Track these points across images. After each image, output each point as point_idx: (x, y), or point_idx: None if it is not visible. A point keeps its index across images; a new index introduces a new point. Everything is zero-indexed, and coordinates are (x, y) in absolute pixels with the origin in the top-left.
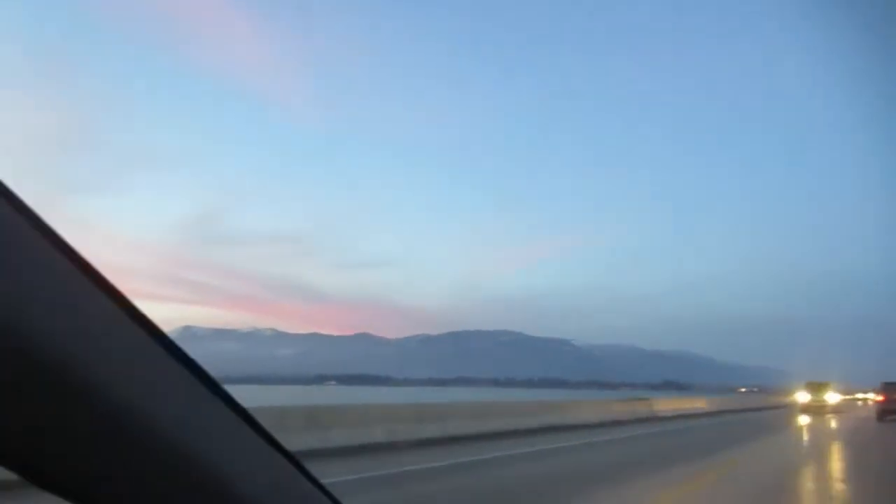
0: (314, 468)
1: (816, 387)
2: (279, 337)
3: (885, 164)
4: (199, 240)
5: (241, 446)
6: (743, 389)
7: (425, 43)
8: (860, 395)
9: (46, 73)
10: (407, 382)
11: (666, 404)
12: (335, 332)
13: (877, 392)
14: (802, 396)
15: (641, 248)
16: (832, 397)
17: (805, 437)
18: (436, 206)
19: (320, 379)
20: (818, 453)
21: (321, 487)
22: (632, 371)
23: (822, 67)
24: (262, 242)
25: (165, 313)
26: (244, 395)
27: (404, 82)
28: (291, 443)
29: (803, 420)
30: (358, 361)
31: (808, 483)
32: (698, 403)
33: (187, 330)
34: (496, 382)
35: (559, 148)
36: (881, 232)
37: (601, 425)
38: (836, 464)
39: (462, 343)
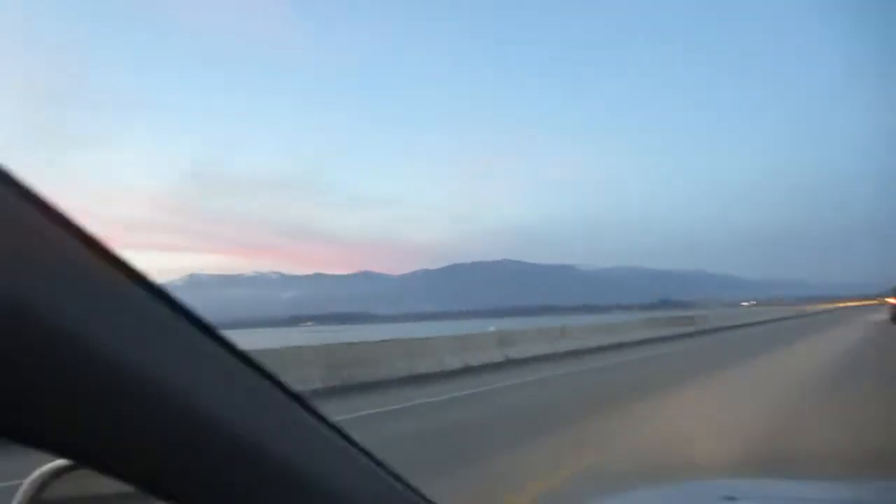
0: None
1: None
2: (284, 280)
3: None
4: (200, 188)
5: (263, 405)
6: (745, 304)
7: None
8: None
9: (40, 30)
10: (392, 319)
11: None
12: (339, 272)
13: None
14: None
15: (643, 170)
16: None
17: None
18: (432, 145)
19: (295, 320)
20: None
21: (356, 445)
22: (635, 292)
23: None
24: (264, 188)
25: (170, 262)
26: None
27: (393, 23)
28: None
29: None
30: (359, 299)
31: None
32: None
33: (193, 277)
34: (479, 313)
35: (543, 76)
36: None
37: None
38: None
39: (463, 275)
